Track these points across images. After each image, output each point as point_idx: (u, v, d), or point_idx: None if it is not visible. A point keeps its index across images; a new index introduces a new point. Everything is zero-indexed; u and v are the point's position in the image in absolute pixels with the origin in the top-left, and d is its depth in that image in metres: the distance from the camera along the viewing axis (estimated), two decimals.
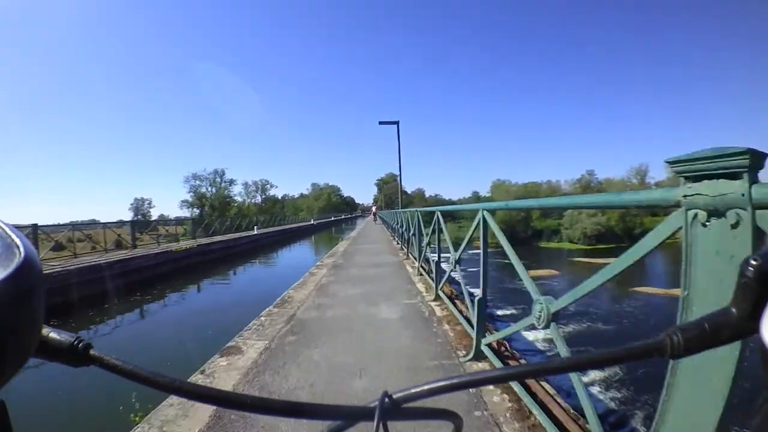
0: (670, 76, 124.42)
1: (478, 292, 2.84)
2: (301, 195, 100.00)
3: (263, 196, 78.25)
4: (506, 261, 2.06)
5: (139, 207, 60.86)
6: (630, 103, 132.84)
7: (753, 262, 0.25)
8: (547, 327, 1.72)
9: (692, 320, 0.29)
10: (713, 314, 0.29)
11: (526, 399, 2.06)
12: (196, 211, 57.56)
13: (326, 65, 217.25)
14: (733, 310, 0.27)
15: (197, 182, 59.17)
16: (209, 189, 60.35)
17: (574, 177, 54.74)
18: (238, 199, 69.76)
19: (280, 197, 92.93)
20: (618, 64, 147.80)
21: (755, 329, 0.23)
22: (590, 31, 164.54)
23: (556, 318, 1.70)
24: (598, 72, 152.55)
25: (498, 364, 2.47)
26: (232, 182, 63.05)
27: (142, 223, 30.54)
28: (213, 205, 58.69)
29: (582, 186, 50.47)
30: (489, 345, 2.64)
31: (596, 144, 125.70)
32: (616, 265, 1.27)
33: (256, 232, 24.20)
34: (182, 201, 59.02)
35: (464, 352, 2.84)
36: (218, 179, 60.90)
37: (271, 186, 79.85)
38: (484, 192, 63.39)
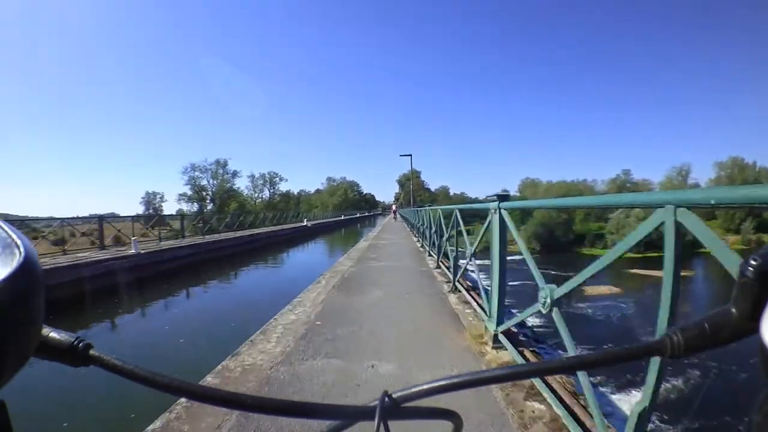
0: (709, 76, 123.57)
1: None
2: (317, 191, 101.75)
3: (271, 190, 79.84)
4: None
5: (150, 201, 62.27)
6: (666, 103, 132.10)
7: (753, 262, 0.28)
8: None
9: (692, 320, 0.33)
10: (713, 314, 0.32)
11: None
12: (196, 205, 58.94)
13: (351, 62, 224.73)
14: (733, 310, 0.30)
15: (197, 173, 60.20)
16: (210, 181, 61.51)
17: (608, 177, 57.84)
18: (245, 192, 71.41)
19: (295, 193, 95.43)
20: (659, 64, 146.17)
21: (755, 329, 0.26)
22: (618, 31, 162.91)
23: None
24: (633, 72, 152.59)
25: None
26: (235, 174, 64.00)
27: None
28: (214, 199, 60.10)
29: (617, 186, 52.66)
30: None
31: (632, 143, 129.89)
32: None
33: (130, 247, 13.54)
34: (180, 194, 59.98)
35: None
36: (220, 170, 61.86)
37: (281, 179, 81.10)
38: (514, 191, 65.47)
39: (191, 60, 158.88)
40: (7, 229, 0.29)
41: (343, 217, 62.33)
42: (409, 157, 36.50)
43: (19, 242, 0.27)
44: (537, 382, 2.43)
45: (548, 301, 2.20)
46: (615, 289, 20.24)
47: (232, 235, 21.78)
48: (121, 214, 19.65)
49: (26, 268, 0.25)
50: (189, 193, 59.77)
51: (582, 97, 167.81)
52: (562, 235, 40.83)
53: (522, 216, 45.03)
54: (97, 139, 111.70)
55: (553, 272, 23.97)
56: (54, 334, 0.34)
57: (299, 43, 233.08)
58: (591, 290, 20.06)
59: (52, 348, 0.33)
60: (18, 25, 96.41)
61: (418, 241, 13.07)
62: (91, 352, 0.34)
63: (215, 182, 61.63)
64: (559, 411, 2.15)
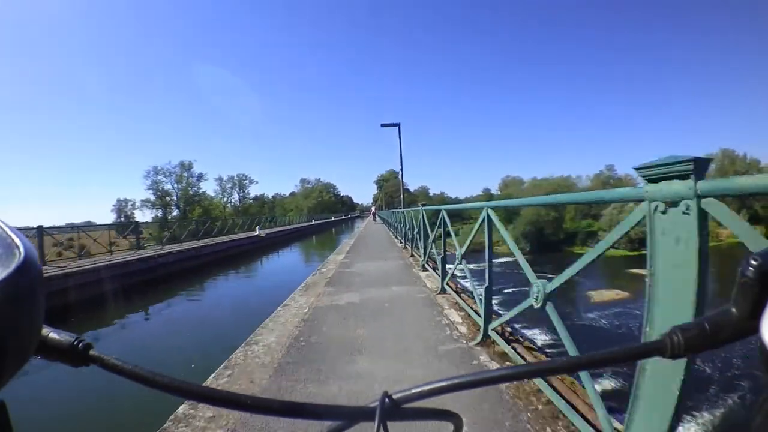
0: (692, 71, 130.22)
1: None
2: (292, 194, 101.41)
3: (241, 194, 78.52)
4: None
5: (122, 208, 59.97)
6: (649, 97, 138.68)
7: (753, 262, 0.29)
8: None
9: (693, 320, 0.34)
10: (713, 314, 0.33)
11: None
12: (159, 212, 57.38)
13: (325, 62, 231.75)
14: (733, 309, 0.31)
15: (160, 177, 58.48)
16: (175, 186, 59.99)
17: (591, 173, 59.94)
18: (213, 196, 70.01)
19: (270, 196, 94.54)
20: (635, 61, 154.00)
21: (755, 329, 0.26)
22: (595, 30, 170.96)
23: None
24: (617, 67, 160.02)
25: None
26: (201, 177, 62.49)
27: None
28: (178, 205, 58.66)
29: (601, 182, 55.21)
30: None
31: (616, 138, 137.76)
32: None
33: None
34: (143, 200, 58.23)
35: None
36: (185, 174, 60.39)
37: (251, 182, 79.94)
38: (494, 189, 68.60)
39: (157, 56, 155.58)
40: (7, 229, 0.30)
41: (313, 222, 57.99)
42: (396, 128, 19.63)
43: (18, 242, 0.28)
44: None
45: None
46: (622, 293, 19.43)
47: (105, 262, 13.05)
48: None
49: (26, 268, 0.26)
50: (152, 198, 57.86)
51: (563, 93, 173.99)
52: (552, 234, 41.23)
53: (509, 215, 46.18)
54: (64, 146, 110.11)
55: (548, 274, 23.19)
56: (54, 335, 0.35)
57: (272, 42, 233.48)
58: (597, 296, 19.49)
59: (52, 348, 0.34)
60: None
61: (430, 276, 6.79)
62: (91, 352, 0.36)
63: (180, 186, 60.02)
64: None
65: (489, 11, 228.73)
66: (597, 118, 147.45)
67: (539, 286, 2.28)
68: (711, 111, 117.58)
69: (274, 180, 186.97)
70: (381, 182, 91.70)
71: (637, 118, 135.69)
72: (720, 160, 49.90)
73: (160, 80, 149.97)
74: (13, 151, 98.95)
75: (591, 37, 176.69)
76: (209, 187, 74.88)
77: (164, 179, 58.95)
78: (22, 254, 0.27)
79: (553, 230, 41.64)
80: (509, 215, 46.14)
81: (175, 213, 57.82)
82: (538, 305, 2.27)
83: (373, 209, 49.05)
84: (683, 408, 1.27)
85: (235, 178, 77.67)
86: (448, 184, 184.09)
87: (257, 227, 32.08)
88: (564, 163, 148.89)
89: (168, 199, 59.02)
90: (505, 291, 19.14)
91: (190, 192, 60.73)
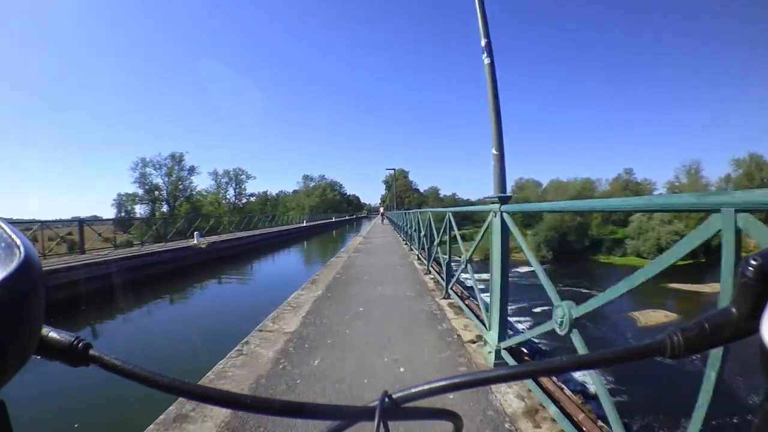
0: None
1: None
2: (295, 191, 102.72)
3: (237, 189, 78.30)
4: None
5: (123, 203, 59.60)
6: (673, 101, 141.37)
7: (753, 262, 0.30)
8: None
9: (692, 320, 0.35)
10: (713, 314, 0.35)
11: None
12: (147, 207, 57.58)
13: (330, 60, 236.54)
14: (733, 310, 0.33)
15: (149, 170, 58.48)
16: (165, 179, 60.01)
17: (611, 176, 62.97)
18: (210, 191, 70.47)
19: (275, 194, 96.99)
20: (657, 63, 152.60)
21: (755, 329, 0.28)
22: (613, 32, 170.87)
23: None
24: (637, 70, 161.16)
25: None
26: (192, 170, 62.44)
27: None
28: (168, 200, 58.88)
29: (620, 186, 57.69)
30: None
31: (636, 143, 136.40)
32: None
33: None
34: (127, 194, 58.29)
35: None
36: (176, 167, 60.43)
37: (248, 177, 79.46)
38: (508, 191, 69.49)
39: (159, 51, 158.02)
40: (7, 229, 0.31)
41: (305, 224, 50.36)
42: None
43: (19, 242, 0.29)
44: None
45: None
46: (671, 315, 18.38)
47: None
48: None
49: (26, 268, 0.28)
50: (140, 192, 57.83)
51: (580, 95, 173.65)
52: (576, 241, 40.38)
53: (526, 219, 45.26)
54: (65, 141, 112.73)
55: (575, 288, 22.13)
56: (54, 334, 0.37)
57: (279, 38, 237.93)
58: (643, 318, 18.33)
59: (52, 348, 0.36)
60: None
61: None
62: (91, 351, 0.37)
63: (169, 180, 60.08)
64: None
65: (503, 11, 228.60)
66: (615, 121, 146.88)
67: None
68: (742, 115, 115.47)
69: (279, 177, 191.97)
70: (390, 182, 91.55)
71: (659, 123, 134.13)
72: (747, 165, 50.74)
73: (164, 76, 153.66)
74: (17, 143, 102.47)
75: (609, 38, 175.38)
76: (205, 183, 75.47)
77: (153, 172, 58.96)
78: (23, 254, 0.28)
79: (577, 237, 40.78)
80: (529, 220, 45.33)
81: (164, 209, 58.09)
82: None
83: (381, 210, 51.13)
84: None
85: (231, 172, 77.35)
86: (459, 185, 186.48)
87: (195, 233, 22.84)
88: (579, 166, 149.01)
89: (157, 193, 59.04)
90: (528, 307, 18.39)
91: (180, 186, 60.79)
